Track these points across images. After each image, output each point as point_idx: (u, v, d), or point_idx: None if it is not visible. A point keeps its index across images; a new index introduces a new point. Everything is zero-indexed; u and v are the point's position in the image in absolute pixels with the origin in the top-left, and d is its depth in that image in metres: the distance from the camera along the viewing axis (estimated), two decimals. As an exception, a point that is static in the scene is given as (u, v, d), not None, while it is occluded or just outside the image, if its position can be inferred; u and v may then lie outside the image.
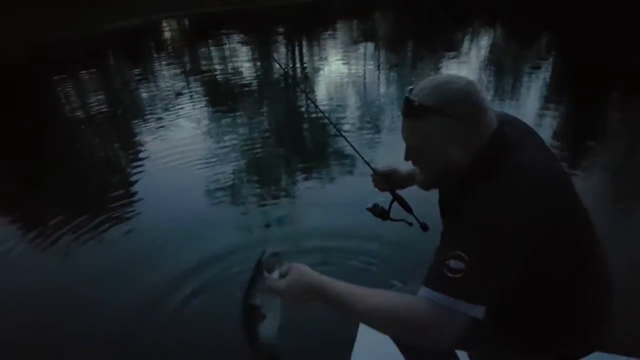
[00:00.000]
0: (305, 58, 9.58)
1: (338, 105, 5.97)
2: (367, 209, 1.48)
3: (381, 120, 5.38)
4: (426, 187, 1.14)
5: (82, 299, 2.61)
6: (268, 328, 1.13)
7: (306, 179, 4.01)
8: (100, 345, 2.26)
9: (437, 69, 7.47)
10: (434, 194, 1.18)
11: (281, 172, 4.32)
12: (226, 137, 5.06)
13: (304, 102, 6.51)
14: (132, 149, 5.09)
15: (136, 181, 4.19)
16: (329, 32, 11.93)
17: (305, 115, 5.98)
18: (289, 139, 5.14)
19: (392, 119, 5.24)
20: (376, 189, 1.53)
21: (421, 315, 0.89)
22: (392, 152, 4.25)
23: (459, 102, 0.97)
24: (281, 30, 12.83)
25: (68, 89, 8.35)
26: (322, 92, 6.76)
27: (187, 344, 2.23)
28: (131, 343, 2.26)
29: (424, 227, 1.45)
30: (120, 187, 4.14)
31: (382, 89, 6.98)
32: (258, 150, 4.65)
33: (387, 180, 1.49)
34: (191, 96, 6.96)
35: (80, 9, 15.32)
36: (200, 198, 3.71)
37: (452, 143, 1.00)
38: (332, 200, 3.48)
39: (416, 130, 1.02)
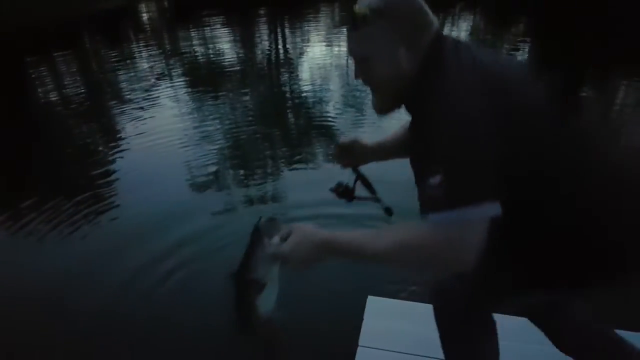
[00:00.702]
0: (288, 40, 9.49)
1: (322, 88, 5.96)
2: (331, 189, 1.37)
3: (365, 102, 5.40)
4: (382, 110, 1.11)
5: (70, 278, 2.59)
6: (267, 301, 1.07)
7: (290, 159, 4.01)
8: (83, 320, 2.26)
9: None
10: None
11: (265, 153, 4.30)
12: (208, 119, 5.01)
13: (288, 83, 6.48)
14: (110, 131, 5.01)
15: (114, 161, 4.13)
16: (313, 14, 11.81)
17: (289, 97, 5.95)
18: (273, 120, 5.11)
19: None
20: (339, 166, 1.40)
21: (438, 236, 0.85)
22: (377, 132, 4.27)
23: (402, 4, 0.99)
24: (263, 12, 12.65)
25: (43, 72, 8.12)
26: (305, 74, 6.73)
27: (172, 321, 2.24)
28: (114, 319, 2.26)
29: (388, 211, 1.35)
30: (99, 167, 4.07)
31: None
32: (241, 132, 4.62)
33: (349, 153, 1.36)
34: (171, 79, 6.85)
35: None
36: (182, 179, 3.69)
37: (399, 47, 0.99)
38: (318, 178, 3.48)
39: (363, 39, 1.02)
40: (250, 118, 5.09)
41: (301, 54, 8.17)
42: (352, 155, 1.37)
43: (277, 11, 12.64)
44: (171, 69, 7.50)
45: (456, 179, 0.84)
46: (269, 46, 8.89)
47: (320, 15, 12.15)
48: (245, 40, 9.65)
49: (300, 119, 5.13)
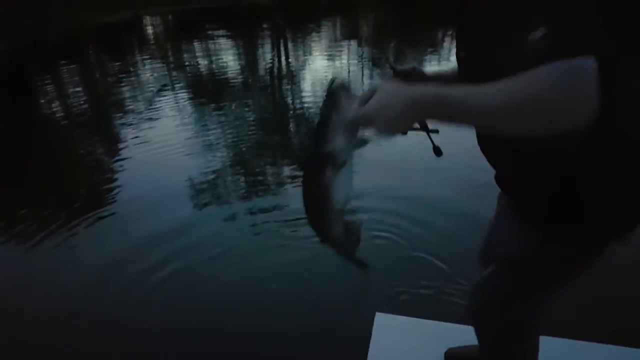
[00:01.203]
0: (291, 53, 9.58)
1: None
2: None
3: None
4: None
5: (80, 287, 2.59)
6: (345, 183, 0.91)
7: (293, 173, 4.02)
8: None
9: (420, 62, 7.54)
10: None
11: (268, 166, 4.31)
12: (211, 129, 5.04)
13: (291, 96, 6.52)
14: (113, 142, 5.04)
15: (116, 170, 4.15)
16: (316, 28, 11.94)
17: (292, 109, 5.99)
18: (276, 133, 5.14)
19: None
20: None
21: (549, 80, 0.70)
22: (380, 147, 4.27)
23: None
24: (267, 26, 12.81)
25: (47, 84, 8.21)
26: (307, 86, 6.78)
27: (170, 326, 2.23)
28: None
29: (437, 151, 1.12)
30: (101, 176, 4.09)
31: (366, 84, 7.02)
32: (244, 143, 4.64)
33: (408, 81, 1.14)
34: (174, 90, 6.91)
35: (65, 2, 15.07)
36: (183, 187, 3.70)
37: None
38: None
39: None
40: (252, 128, 5.12)
41: (303, 66, 8.25)
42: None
43: (279, 25, 12.79)
44: (175, 81, 7.57)
45: (564, 26, 0.72)
46: (272, 59, 8.98)
47: (322, 29, 12.29)
48: (249, 53, 9.75)
49: (302, 129, 5.16)
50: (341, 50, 9.21)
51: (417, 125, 1.13)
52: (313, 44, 10.17)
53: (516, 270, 1.14)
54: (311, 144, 0.91)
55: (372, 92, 0.85)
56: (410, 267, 2.54)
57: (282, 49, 10.18)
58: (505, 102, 0.73)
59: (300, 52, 9.56)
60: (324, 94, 0.92)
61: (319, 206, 0.94)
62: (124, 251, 2.84)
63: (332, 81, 0.91)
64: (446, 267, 2.53)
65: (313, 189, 0.93)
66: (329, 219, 0.95)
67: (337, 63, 8.05)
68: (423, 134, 1.16)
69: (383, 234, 2.84)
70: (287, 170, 4.04)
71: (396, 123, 0.83)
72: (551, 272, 1.10)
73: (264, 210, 3.29)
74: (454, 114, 0.78)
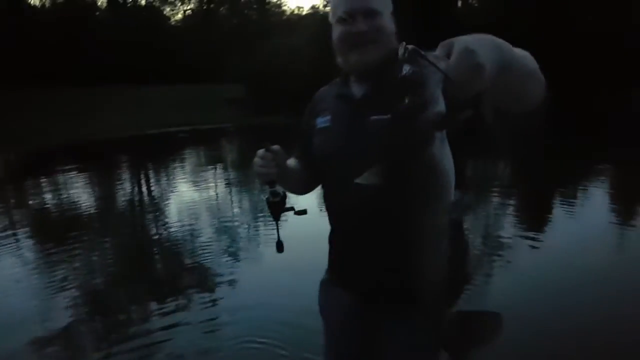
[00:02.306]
0: (154, 185, 9.39)
1: (193, 229, 5.84)
2: (266, 199, 1.37)
3: (239, 239, 5.42)
4: (367, 63, 1.26)
5: None
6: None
7: (160, 313, 3.69)
8: None
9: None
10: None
11: (126, 308, 3.91)
12: (60, 268, 4.49)
13: (156, 228, 6.25)
14: None
15: None
16: (178, 159, 12.02)
17: (157, 243, 5.70)
18: (138, 265, 4.78)
19: (249, 236, 5.31)
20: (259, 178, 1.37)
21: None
22: (254, 266, 4.28)
23: None
24: (126, 160, 12.52)
25: None
26: (173, 217, 6.59)
27: None
28: None
29: (279, 246, 1.42)
30: None
31: (235, 208, 7.11)
32: (99, 283, 4.21)
33: (275, 162, 1.33)
34: (15, 235, 6.14)
35: None
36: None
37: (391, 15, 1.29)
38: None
39: None
40: (111, 261, 4.71)
41: (167, 194, 8.10)
42: (275, 165, 1.33)
43: (140, 158, 12.62)
44: (17, 222, 6.76)
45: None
46: (132, 189, 8.67)
47: (185, 156, 12.44)
48: (107, 186, 9.29)
49: (168, 262, 4.90)
50: (206, 178, 9.35)
51: (287, 207, 1.37)
52: (176, 172, 10.15)
53: None
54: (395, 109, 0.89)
55: (449, 46, 0.85)
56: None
57: (142, 180, 9.95)
58: (530, 61, 0.99)
59: (164, 181, 9.44)
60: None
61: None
62: None
63: (404, 46, 0.87)
64: None
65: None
66: None
67: (203, 190, 8.09)
68: (294, 215, 1.39)
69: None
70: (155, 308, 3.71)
71: (478, 69, 0.82)
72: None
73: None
74: (508, 58, 0.90)
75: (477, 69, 0.81)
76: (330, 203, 1.45)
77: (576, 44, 17.93)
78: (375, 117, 1.18)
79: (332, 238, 1.49)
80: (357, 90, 1.35)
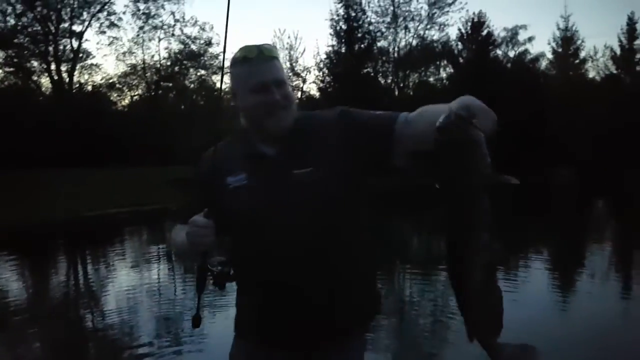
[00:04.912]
0: (91, 272, 8.84)
1: (131, 318, 5.48)
2: (209, 269, 1.35)
3: (181, 325, 5.14)
4: (284, 127, 1.40)
5: None
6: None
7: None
8: None
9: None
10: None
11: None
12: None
13: (92, 313, 5.82)
14: None
15: None
16: (118, 242, 11.49)
17: (93, 328, 5.28)
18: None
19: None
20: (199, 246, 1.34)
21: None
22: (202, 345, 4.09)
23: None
24: (62, 244, 11.79)
25: None
26: (111, 305, 6.15)
27: None
28: None
29: (196, 321, 1.36)
30: None
31: (178, 291, 6.81)
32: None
33: (212, 229, 1.32)
34: None
35: None
36: None
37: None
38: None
39: (281, 67, 1.43)
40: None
41: (105, 280, 7.64)
42: (213, 233, 1.32)
43: (78, 243, 11.95)
44: None
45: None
46: (67, 277, 8.11)
47: (125, 238, 11.91)
48: (38, 274, 8.62)
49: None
50: (150, 258, 8.96)
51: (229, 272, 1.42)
52: (116, 256, 9.65)
53: None
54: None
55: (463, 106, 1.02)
56: None
57: (79, 266, 9.36)
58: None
59: (102, 266, 8.91)
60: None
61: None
62: None
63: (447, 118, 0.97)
64: None
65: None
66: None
67: (145, 273, 7.72)
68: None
69: None
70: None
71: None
72: None
73: None
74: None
75: (494, 118, 1.10)
76: (250, 261, 1.41)
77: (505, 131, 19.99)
78: (297, 171, 1.34)
79: (251, 300, 1.43)
80: (267, 149, 1.43)
